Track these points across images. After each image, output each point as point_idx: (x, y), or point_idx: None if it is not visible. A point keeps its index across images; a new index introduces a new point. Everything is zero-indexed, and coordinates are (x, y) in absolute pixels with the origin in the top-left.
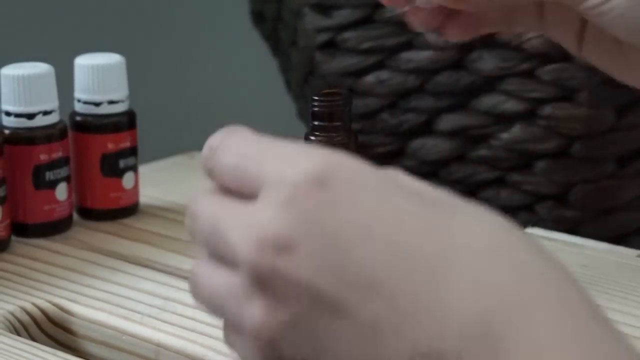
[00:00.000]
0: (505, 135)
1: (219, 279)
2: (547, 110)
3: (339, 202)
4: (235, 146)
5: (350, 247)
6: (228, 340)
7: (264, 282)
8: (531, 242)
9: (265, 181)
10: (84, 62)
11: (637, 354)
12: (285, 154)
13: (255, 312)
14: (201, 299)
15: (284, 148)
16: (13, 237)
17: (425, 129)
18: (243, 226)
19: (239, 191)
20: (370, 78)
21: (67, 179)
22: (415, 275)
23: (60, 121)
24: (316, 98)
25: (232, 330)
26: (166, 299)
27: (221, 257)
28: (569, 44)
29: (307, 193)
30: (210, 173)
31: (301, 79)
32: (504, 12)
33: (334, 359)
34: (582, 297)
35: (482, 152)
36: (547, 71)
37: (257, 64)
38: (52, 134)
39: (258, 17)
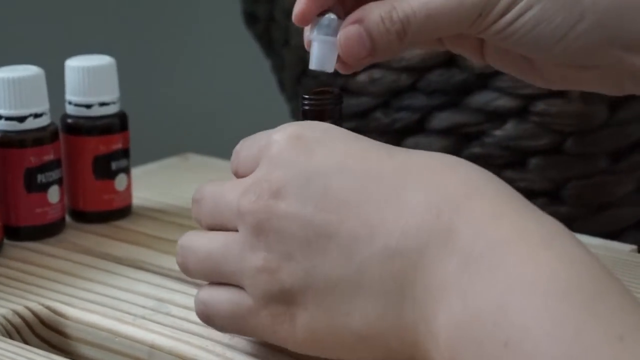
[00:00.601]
0: (498, 133)
1: (217, 241)
2: (539, 106)
3: (314, 149)
4: (248, 142)
5: (327, 181)
6: (211, 296)
7: (264, 226)
8: (477, 167)
9: (260, 150)
10: (75, 64)
11: (562, 226)
12: (274, 129)
13: (259, 254)
14: (194, 262)
15: (276, 128)
16: (5, 241)
17: (419, 127)
18: (242, 186)
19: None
20: (362, 77)
21: (59, 181)
22: (379, 192)
23: (52, 124)
24: (306, 97)
25: (221, 287)
26: (160, 300)
27: (222, 222)
28: (470, 57)
29: (288, 146)
30: (236, 173)
31: (294, 79)
32: None
33: (325, 279)
34: (515, 194)
35: (476, 149)
36: None
37: (250, 64)
38: (43, 137)
39: (250, 18)
